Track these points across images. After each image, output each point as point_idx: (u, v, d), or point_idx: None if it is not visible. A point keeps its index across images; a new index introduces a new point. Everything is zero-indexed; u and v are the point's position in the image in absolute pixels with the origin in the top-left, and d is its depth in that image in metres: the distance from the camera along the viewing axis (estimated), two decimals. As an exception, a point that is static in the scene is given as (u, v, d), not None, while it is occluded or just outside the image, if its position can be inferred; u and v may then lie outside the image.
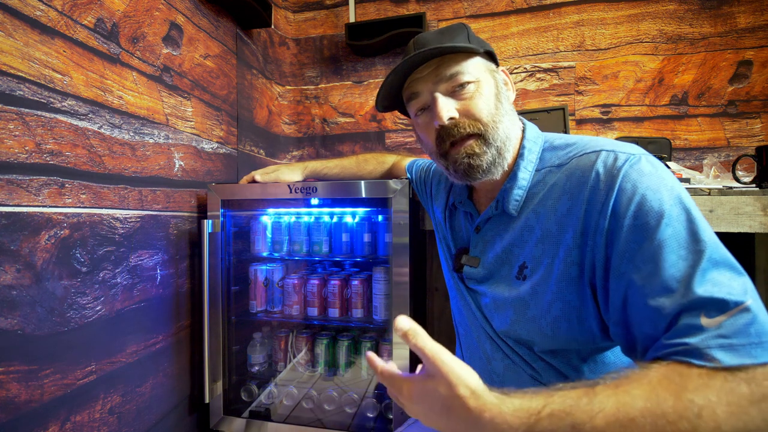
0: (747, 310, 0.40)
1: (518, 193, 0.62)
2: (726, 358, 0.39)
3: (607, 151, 0.54)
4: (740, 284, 0.42)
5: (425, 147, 0.68)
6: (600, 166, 0.53)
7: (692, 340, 0.41)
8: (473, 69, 0.61)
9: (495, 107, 0.61)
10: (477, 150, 0.60)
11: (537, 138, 0.66)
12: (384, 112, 0.73)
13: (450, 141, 0.61)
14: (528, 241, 0.61)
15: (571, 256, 0.54)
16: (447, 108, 0.60)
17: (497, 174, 0.62)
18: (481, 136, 0.60)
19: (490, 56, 0.65)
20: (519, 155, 0.64)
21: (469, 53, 0.62)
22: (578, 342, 0.57)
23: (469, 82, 0.60)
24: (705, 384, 0.38)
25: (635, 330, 0.48)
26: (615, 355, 0.60)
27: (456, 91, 0.61)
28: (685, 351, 0.41)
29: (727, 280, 0.42)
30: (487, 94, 0.61)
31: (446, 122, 0.60)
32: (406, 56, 0.61)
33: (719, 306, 0.41)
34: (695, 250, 0.44)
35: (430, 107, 0.62)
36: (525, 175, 0.62)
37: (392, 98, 0.69)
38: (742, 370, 0.39)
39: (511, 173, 0.63)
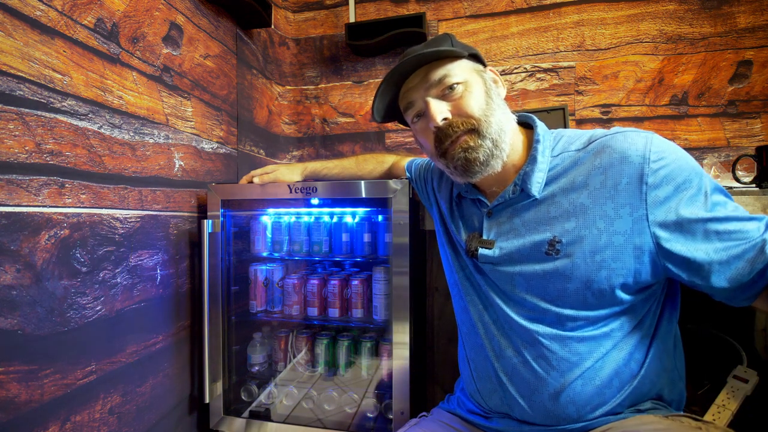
0: None
1: (539, 175, 0.65)
2: None
3: (625, 131, 0.60)
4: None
5: (426, 151, 0.71)
6: (629, 143, 0.58)
7: None
8: (460, 71, 0.65)
9: (485, 103, 0.64)
10: (472, 143, 0.63)
11: (548, 131, 0.69)
12: (383, 122, 0.77)
13: (448, 141, 0.64)
14: (558, 218, 0.62)
15: (613, 225, 0.58)
16: (439, 110, 0.63)
17: (497, 166, 0.65)
18: (476, 131, 0.63)
19: (476, 58, 0.69)
20: (536, 141, 0.66)
21: (455, 57, 0.65)
22: (609, 303, 0.61)
23: (457, 83, 0.64)
24: None
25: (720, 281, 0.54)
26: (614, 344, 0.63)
27: (446, 93, 0.64)
28: None
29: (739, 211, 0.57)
30: (477, 92, 0.64)
31: (440, 123, 0.63)
32: (396, 66, 0.65)
33: None
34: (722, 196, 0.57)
35: (425, 113, 0.66)
36: (544, 159, 0.65)
37: (389, 110, 0.74)
38: None
39: (530, 157, 0.66)
